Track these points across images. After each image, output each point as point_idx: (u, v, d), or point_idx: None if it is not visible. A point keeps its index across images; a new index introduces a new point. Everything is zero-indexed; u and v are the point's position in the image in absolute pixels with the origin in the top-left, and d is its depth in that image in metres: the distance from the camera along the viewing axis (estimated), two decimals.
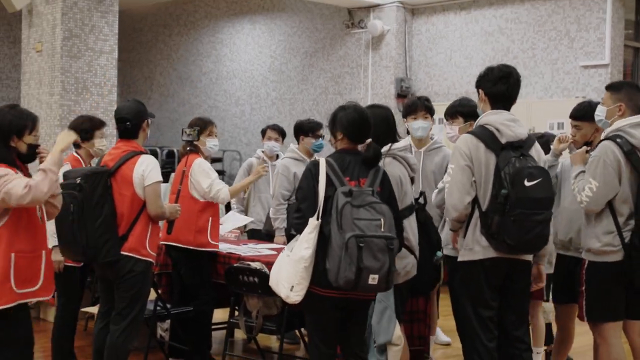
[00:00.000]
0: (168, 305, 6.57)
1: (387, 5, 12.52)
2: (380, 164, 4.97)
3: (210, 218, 6.58)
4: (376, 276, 4.40)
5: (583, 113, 5.37)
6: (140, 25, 16.48)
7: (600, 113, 5.20)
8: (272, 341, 7.19)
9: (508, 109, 4.92)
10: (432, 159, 6.60)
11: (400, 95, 12.44)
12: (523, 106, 10.67)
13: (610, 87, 5.28)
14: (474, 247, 4.85)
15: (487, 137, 4.82)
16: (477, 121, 5.03)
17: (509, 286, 4.93)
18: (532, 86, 11.21)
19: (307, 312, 4.74)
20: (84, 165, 6.13)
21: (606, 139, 5.01)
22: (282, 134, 8.00)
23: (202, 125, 6.78)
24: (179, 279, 6.74)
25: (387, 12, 12.55)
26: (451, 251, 5.20)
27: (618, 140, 4.91)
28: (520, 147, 4.78)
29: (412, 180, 5.23)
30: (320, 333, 4.73)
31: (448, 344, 7.40)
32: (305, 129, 7.54)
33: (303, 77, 13.95)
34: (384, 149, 5.07)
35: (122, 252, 5.54)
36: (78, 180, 5.51)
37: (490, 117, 4.85)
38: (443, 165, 6.51)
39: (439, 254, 5.16)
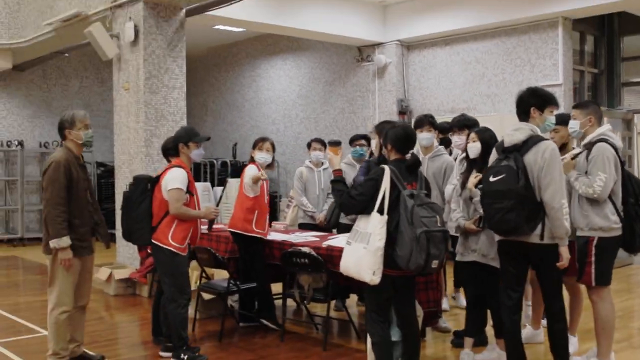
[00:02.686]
0: (237, 282, 6.59)
1: (389, 43, 12.44)
2: None
3: (257, 211, 6.55)
4: (437, 261, 4.40)
5: (560, 120, 5.30)
6: (196, 65, 16.42)
7: (574, 126, 5.18)
8: (318, 309, 7.17)
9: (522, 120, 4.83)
10: (435, 163, 6.59)
11: (401, 112, 12.34)
12: (496, 120, 10.59)
13: (579, 106, 5.27)
14: None
15: (499, 144, 4.85)
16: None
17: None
18: (503, 103, 11.09)
19: (370, 288, 4.57)
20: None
21: (598, 141, 4.96)
22: (324, 145, 8.02)
23: (256, 142, 6.80)
24: (243, 262, 6.77)
25: (389, 49, 12.47)
26: None
27: (608, 141, 4.92)
28: (516, 150, 4.64)
29: None
30: (377, 304, 4.68)
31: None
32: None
33: (324, 101, 13.86)
34: None
35: (152, 240, 5.62)
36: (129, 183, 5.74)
37: (506, 131, 4.84)
38: (442, 168, 6.53)
39: (452, 249, 5.19)
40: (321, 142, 8.04)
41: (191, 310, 7.07)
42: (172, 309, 5.60)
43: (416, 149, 6.56)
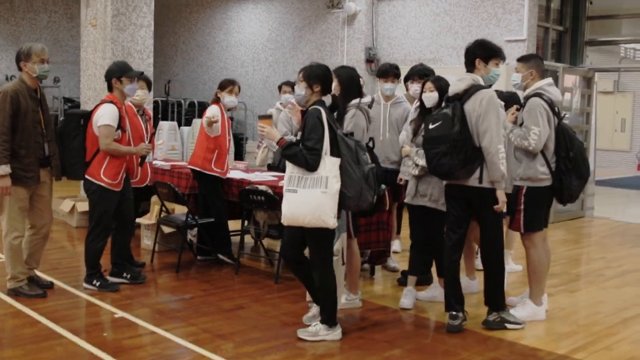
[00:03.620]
0: (196, 217, 6.83)
1: None
2: (350, 114, 5.08)
3: (216, 151, 6.73)
4: (375, 197, 4.65)
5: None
6: (168, 3, 16.35)
7: (516, 79, 5.39)
8: (273, 245, 7.45)
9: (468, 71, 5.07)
10: (396, 110, 6.82)
11: (369, 60, 12.49)
12: (461, 71, 10.83)
13: (522, 59, 5.46)
14: None
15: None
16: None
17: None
18: None
19: (328, 234, 4.61)
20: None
21: (533, 95, 5.16)
22: (293, 87, 8.13)
23: (225, 84, 6.93)
24: (203, 198, 6.99)
25: None
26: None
27: (543, 96, 5.13)
28: (458, 100, 4.88)
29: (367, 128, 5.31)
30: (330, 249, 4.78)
31: None
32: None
33: (293, 46, 13.96)
34: (354, 102, 5.13)
35: (85, 175, 5.75)
36: (61, 118, 5.76)
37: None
38: (403, 115, 6.76)
39: (383, 186, 5.23)
40: (291, 85, 8.12)
41: (150, 242, 7.35)
42: (90, 241, 5.86)
43: (377, 96, 6.79)
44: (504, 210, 4.98)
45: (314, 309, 5.06)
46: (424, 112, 5.59)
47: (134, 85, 5.96)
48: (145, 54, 9.28)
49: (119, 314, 5.29)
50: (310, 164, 4.43)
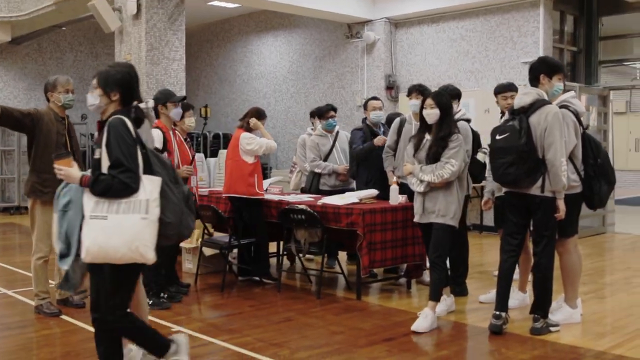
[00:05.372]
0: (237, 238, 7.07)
1: (377, 21, 12.87)
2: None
3: (256, 175, 7.01)
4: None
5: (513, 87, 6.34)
6: (189, 41, 16.73)
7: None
8: (311, 265, 7.72)
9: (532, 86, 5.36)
10: None
11: (389, 87, 12.84)
12: (481, 93, 11.17)
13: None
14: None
15: (511, 107, 5.40)
16: None
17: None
18: (486, 78, 11.57)
19: (132, 269, 3.67)
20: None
21: (560, 107, 5.33)
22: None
23: (260, 113, 7.27)
24: (241, 221, 7.19)
25: (377, 26, 12.90)
26: None
27: (569, 108, 5.37)
28: (523, 112, 5.14)
29: None
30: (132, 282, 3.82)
31: None
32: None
33: (314, 76, 14.31)
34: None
35: None
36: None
37: (517, 94, 5.52)
38: None
39: None
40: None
41: (191, 266, 7.65)
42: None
43: (408, 116, 7.07)
44: (563, 217, 5.20)
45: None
46: (425, 129, 5.64)
47: (178, 109, 6.40)
48: (178, 86, 9.66)
49: (176, 328, 5.57)
50: (131, 188, 3.52)
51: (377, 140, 7.39)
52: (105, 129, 3.62)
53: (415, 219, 5.72)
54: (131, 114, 3.73)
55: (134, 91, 3.83)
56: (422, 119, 5.62)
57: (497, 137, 5.20)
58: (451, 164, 5.39)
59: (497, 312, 5.29)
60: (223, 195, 7.30)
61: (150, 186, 3.56)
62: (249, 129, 7.10)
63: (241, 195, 7.01)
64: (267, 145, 6.96)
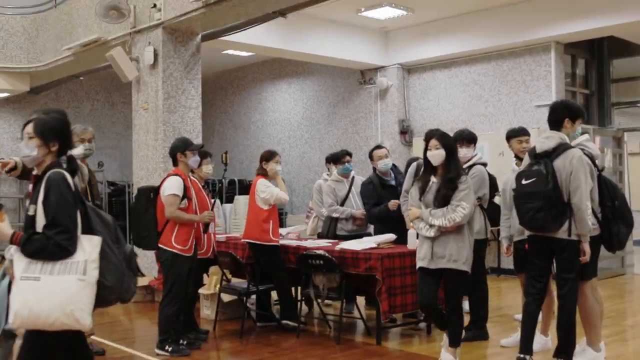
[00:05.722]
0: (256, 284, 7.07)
1: (390, 67, 13.02)
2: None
3: (271, 221, 7.02)
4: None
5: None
6: (204, 88, 16.92)
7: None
8: (328, 310, 7.70)
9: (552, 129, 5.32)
10: None
11: (402, 132, 12.93)
12: (494, 137, 11.19)
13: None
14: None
15: (531, 150, 5.36)
16: None
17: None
18: (500, 122, 11.64)
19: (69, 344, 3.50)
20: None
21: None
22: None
23: (271, 155, 7.31)
24: (259, 267, 7.17)
25: (390, 72, 13.04)
26: None
27: (584, 151, 5.31)
28: (546, 156, 5.14)
29: None
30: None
31: None
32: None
33: (328, 122, 14.42)
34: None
35: (159, 244, 6.18)
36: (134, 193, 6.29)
37: (537, 139, 5.44)
38: None
39: None
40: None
41: (209, 312, 7.65)
42: (164, 306, 6.21)
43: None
44: (588, 260, 5.17)
45: None
46: (430, 171, 5.47)
47: (196, 157, 6.49)
48: (195, 133, 9.76)
49: None
50: (67, 250, 3.28)
51: (392, 206, 7.50)
52: (44, 184, 3.37)
53: (423, 264, 5.40)
54: (65, 164, 3.50)
55: (70, 140, 3.60)
56: (426, 161, 5.47)
57: (524, 182, 5.16)
58: (462, 206, 5.23)
59: (522, 355, 5.24)
60: (241, 240, 7.34)
61: (89, 246, 3.33)
62: (265, 174, 7.14)
63: (256, 242, 7.03)
64: (277, 196, 6.99)
